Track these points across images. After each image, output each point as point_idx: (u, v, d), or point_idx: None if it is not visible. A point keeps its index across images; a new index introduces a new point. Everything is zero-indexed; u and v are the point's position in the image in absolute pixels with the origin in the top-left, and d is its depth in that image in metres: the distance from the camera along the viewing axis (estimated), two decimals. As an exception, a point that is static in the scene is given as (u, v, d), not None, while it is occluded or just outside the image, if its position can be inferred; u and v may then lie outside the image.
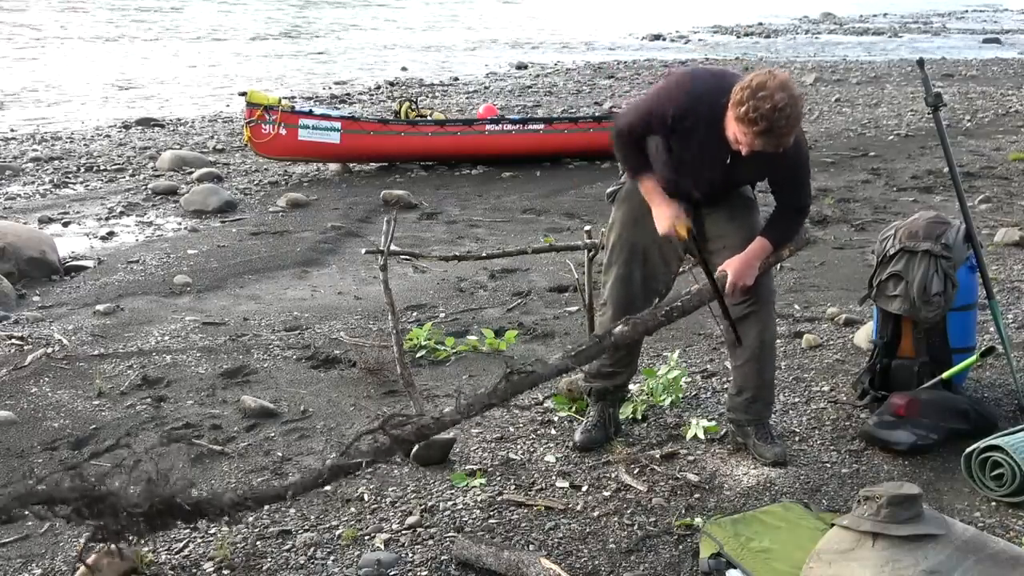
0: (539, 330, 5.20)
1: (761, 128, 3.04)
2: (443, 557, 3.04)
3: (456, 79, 17.81)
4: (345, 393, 4.41)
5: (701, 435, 3.79)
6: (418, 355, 4.76)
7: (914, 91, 14.68)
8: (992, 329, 4.40)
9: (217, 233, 7.54)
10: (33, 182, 9.36)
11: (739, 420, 3.70)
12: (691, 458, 3.68)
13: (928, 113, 4.18)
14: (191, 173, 9.52)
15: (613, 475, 3.55)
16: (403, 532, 3.19)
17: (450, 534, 3.16)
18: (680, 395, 4.13)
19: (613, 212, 3.71)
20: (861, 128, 11.91)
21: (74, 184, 9.36)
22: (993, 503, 3.30)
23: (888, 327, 4.03)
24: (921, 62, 4.15)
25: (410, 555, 3.06)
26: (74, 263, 6.63)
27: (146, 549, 2.95)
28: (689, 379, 4.34)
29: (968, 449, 3.39)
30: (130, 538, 2.37)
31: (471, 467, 3.62)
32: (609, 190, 3.78)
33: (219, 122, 13.04)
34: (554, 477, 3.55)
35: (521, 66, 20.02)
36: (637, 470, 3.58)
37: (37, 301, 5.84)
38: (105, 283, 6.21)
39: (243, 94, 9.54)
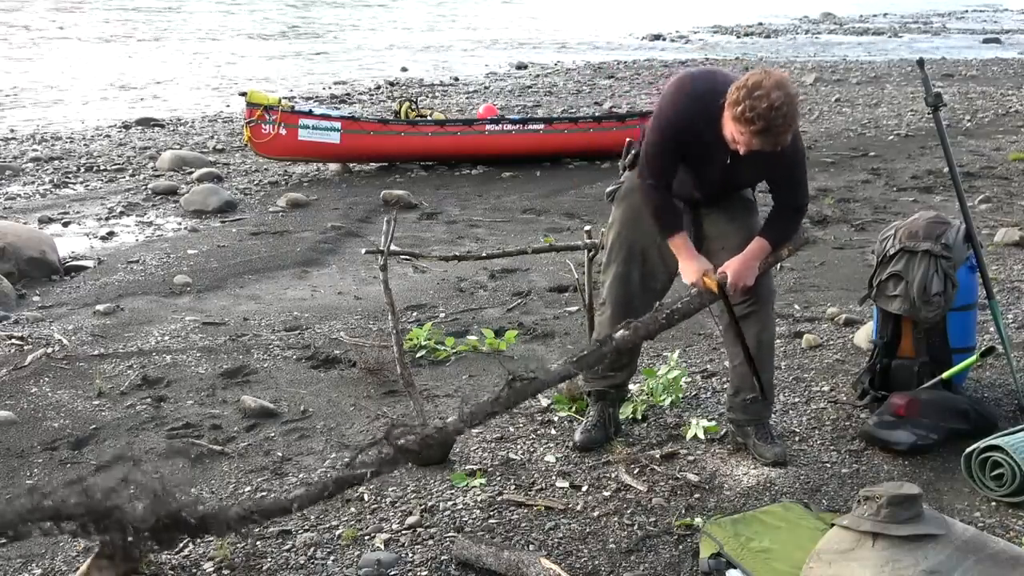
0: (539, 330, 5.19)
1: (758, 127, 3.05)
2: (443, 557, 3.04)
3: (456, 79, 17.81)
4: (345, 393, 4.41)
5: (701, 435, 3.79)
6: (418, 355, 4.76)
7: (914, 91, 14.69)
8: (992, 329, 4.40)
9: (217, 233, 7.54)
10: (33, 182, 9.36)
11: (739, 420, 3.70)
12: (691, 458, 3.68)
13: (928, 113, 4.18)
14: (191, 173, 9.52)
15: (613, 475, 3.55)
16: (403, 532, 3.19)
17: (450, 534, 3.16)
18: (680, 395, 4.13)
19: (612, 211, 3.71)
20: (861, 128, 11.91)
21: (74, 184, 9.36)
22: (993, 503, 3.30)
23: (888, 327, 4.03)
24: (921, 62, 4.15)
25: (410, 555, 3.06)
26: (74, 263, 6.64)
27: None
28: (689, 379, 4.34)
29: (968, 449, 3.39)
30: (136, 553, 2.38)
31: (471, 467, 3.62)
32: (609, 189, 3.78)
33: (219, 122, 13.04)
34: (554, 477, 3.55)
35: (521, 66, 20.03)
36: (637, 470, 3.58)
37: (37, 301, 5.84)
38: (105, 283, 6.21)
39: (243, 94, 9.54)
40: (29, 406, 4.29)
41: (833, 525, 2.73)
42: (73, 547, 3.09)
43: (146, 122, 12.74)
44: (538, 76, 18.27)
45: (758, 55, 21.78)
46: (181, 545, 3.09)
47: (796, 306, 5.49)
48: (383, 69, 19.45)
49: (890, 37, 27.67)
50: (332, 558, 3.05)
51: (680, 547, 3.08)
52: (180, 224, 7.87)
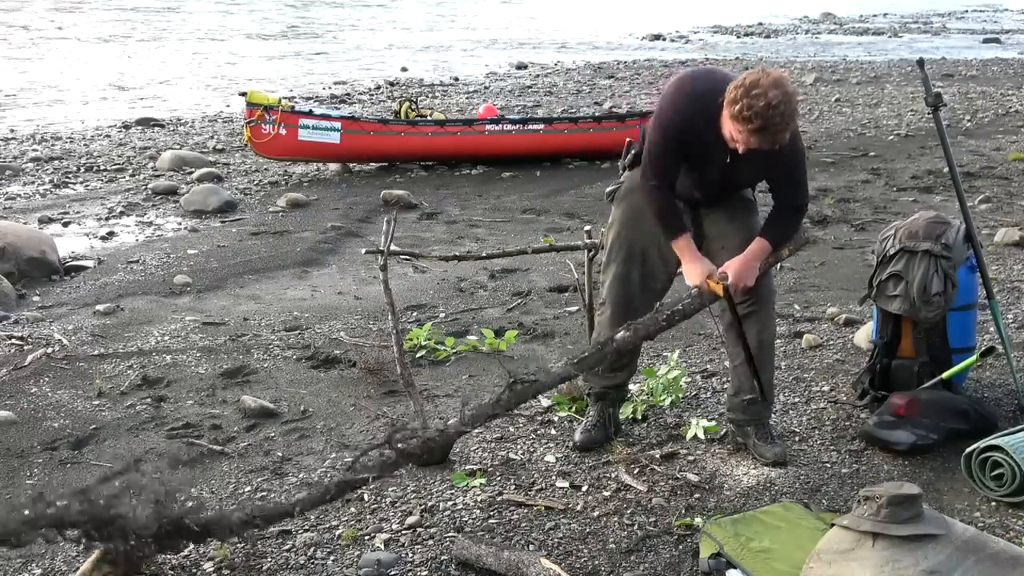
0: (539, 330, 5.19)
1: (756, 126, 3.05)
2: (443, 557, 3.04)
3: (456, 79, 17.81)
4: (345, 393, 4.41)
5: (701, 435, 3.79)
6: (418, 355, 4.76)
7: (914, 91, 14.69)
8: (992, 329, 4.40)
9: (217, 233, 7.54)
10: (33, 182, 9.36)
11: (739, 420, 3.70)
12: (691, 458, 3.68)
13: (928, 113, 4.18)
14: (191, 173, 9.52)
15: (613, 475, 3.55)
16: (403, 532, 3.19)
17: (450, 534, 3.16)
18: (680, 395, 4.13)
19: (612, 211, 3.71)
20: (861, 128, 11.91)
21: (74, 184, 9.36)
22: (993, 503, 3.30)
23: (888, 327, 4.03)
24: (921, 62, 4.15)
25: (410, 555, 3.06)
26: (74, 263, 6.64)
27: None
28: (689, 379, 4.34)
29: (968, 449, 3.39)
30: (138, 558, 2.38)
31: (471, 467, 3.62)
32: (608, 189, 3.78)
33: (219, 122, 13.04)
34: (554, 477, 3.55)
35: (521, 66, 20.03)
36: (637, 470, 3.58)
37: (37, 301, 5.84)
38: (105, 283, 6.21)
39: (243, 94, 9.54)
40: (29, 406, 4.29)
41: (833, 525, 2.73)
42: (73, 547, 3.08)
43: (146, 122, 12.75)
44: (538, 76, 18.27)
45: (758, 55, 21.78)
46: (181, 545, 3.09)
47: (796, 306, 5.49)
48: (383, 69, 19.45)
49: (890, 37, 27.67)
50: (332, 558, 3.05)
51: (680, 547, 3.08)
52: (180, 224, 7.87)
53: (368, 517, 3.29)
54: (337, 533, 3.19)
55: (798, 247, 3.74)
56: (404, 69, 19.19)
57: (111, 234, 7.56)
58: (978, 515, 3.24)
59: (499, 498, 3.39)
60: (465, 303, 5.75)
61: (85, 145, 11.29)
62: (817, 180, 8.58)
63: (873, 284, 4.00)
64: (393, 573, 2.96)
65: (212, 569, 2.99)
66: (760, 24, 31.97)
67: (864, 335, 4.71)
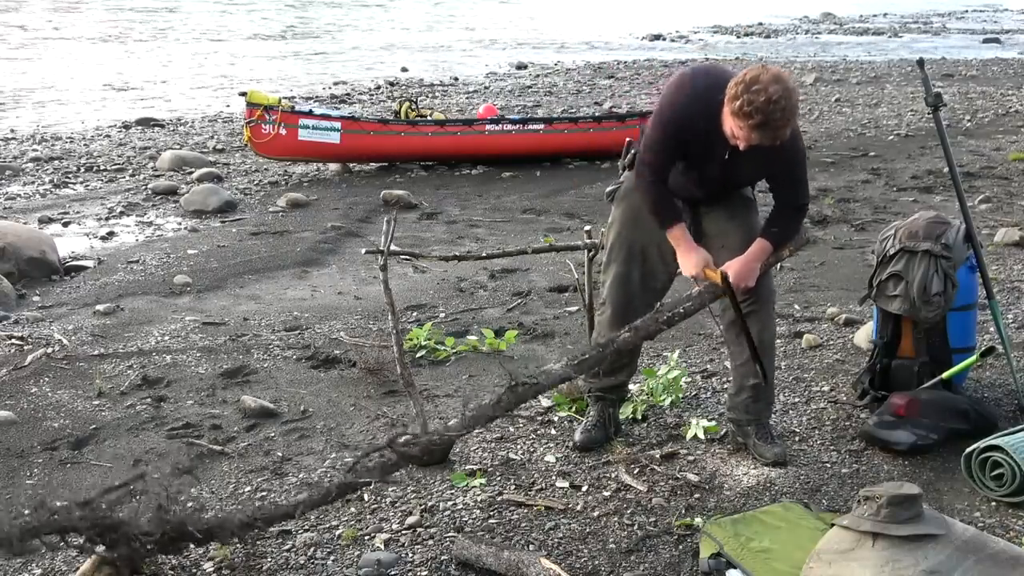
0: (539, 330, 5.19)
1: (756, 121, 3.05)
2: (443, 557, 3.04)
3: (456, 79, 17.81)
4: (345, 393, 4.41)
5: (701, 435, 3.79)
6: (418, 355, 4.76)
7: (914, 91, 14.69)
8: (992, 329, 4.40)
9: (217, 233, 7.54)
10: (33, 182, 9.36)
11: (739, 420, 3.70)
12: (691, 458, 3.68)
13: (928, 113, 4.18)
14: (191, 173, 9.52)
15: (613, 475, 3.55)
16: (403, 532, 3.19)
17: (450, 534, 3.16)
18: (680, 395, 4.13)
19: (612, 211, 3.71)
20: (861, 128, 11.91)
21: (74, 184, 9.36)
22: (993, 503, 3.30)
23: (888, 327, 4.03)
24: (921, 62, 4.15)
25: (410, 555, 3.06)
26: (74, 263, 6.64)
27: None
28: (689, 379, 4.34)
29: (968, 449, 3.39)
30: (140, 561, 2.38)
31: (471, 467, 3.62)
32: (608, 189, 3.78)
33: (219, 122, 13.04)
34: (554, 477, 3.55)
35: (521, 66, 20.03)
36: (637, 470, 3.58)
37: (37, 301, 5.84)
38: (105, 283, 6.21)
39: (243, 94, 9.54)
40: (29, 406, 4.29)
41: (833, 525, 2.73)
42: (73, 548, 3.08)
43: (146, 122, 12.75)
44: (538, 76, 18.27)
45: (758, 55, 21.78)
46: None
47: (796, 306, 5.49)
48: (383, 69, 19.45)
49: (890, 37, 27.67)
50: (332, 558, 3.05)
51: (680, 547, 3.08)
52: (180, 224, 7.87)
53: (368, 517, 3.29)
54: (337, 533, 3.19)
55: (798, 247, 3.74)
56: (404, 69, 19.19)
57: (111, 234, 7.56)
58: (978, 515, 3.24)
59: (499, 498, 3.39)
60: (465, 303, 5.75)
61: (85, 145, 11.29)
62: (817, 180, 8.58)
63: (873, 284, 4.00)
64: (393, 573, 2.96)
65: (212, 569, 2.99)
66: (760, 24, 31.98)
67: (864, 335, 4.71)
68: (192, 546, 3.06)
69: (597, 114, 11.42)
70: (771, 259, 3.51)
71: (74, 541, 2.29)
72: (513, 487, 3.48)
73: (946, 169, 4.52)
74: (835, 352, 4.75)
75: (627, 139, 3.79)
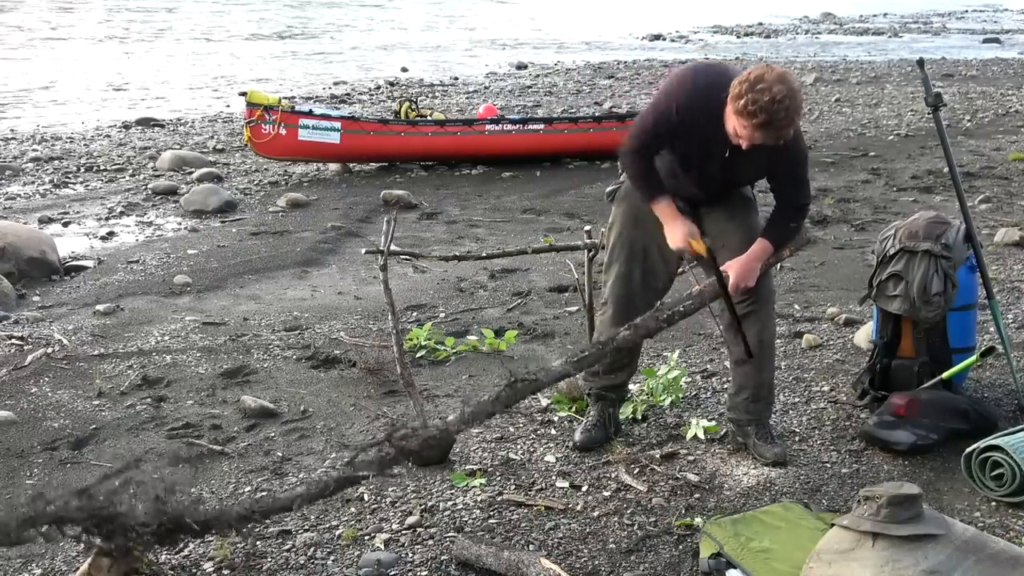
0: (539, 330, 5.19)
1: (760, 120, 3.04)
2: (443, 557, 3.04)
3: (456, 79, 17.81)
4: (345, 393, 4.41)
5: (701, 435, 3.79)
6: (418, 355, 4.76)
7: (914, 91, 14.68)
8: (992, 329, 4.40)
9: (217, 233, 7.54)
10: (33, 182, 9.36)
11: (739, 420, 3.70)
12: (691, 458, 3.68)
13: (928, 113, 4.18)
14: (191, 173, 9.52)
15: (613, 475, 3.55)
16: (403, 532, 3.19)
17: (450, 534, 3.16)
18: (680, 395, 4.13)
19: (613, 211, 3.71)
20: (861, 128, 11.91)
21: (74, 184, 9.36)
22: (993, 503, 3.30)
23: (888, 327, 4.03)
24: (921, 62, 4.15)
25: (410, 555, 3.06)
26: (74, 263, 6.64)
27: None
28: (689, 379, 4.34)
29: (968, 449, 3.39)
30: (137, 554, 2.38)
31: (471, 467, 3.62)
32: (609, 189, 3.78)
33: (219, 122, 13.04)
34: (554, 477, 3.55)
35: (521, 66, 20.03)
36: (637, 470, 3.58)
37: (37, 301, 5.84)
38: (105, 283, 6.21)
39: (243, 94, 9.54)
40: (29, 406, 4.29)
41: (833, 525, 2.73)
42: (73, 547, 3.08)
43: (146, 122, 12.74)
44: (538, 76, 18.27)
45: (758, 55, 21.77)
46: (181, 545, 3.09)
47: (796, 306, 5.49)
48: (383, 69, 19.45)
49: (890, 37, 27.67)
50: (332, 558, 3.05)
51: (680, 547, 3.08)
52: (180, 224, 7.87)
53: (368, 517, 3.29)
54: (337, 533, 3.19)
55: (799, 247, 3.74)
56: (404, 69, 19.18)
57: (111, 234, 7.56)
58: (978, 515, 3.24)
59: (499, 498, 3.39)
60: (465, 303, 5.75)
61: (85, 145, 11.28)
62: (817, 180, 8.57)
63: (873, 284, 4.00)
64: (393, 573, 2.96)
65: (212, 569, 2.99)
66: (760, 24, 31.96)
67: (864, 335, 4.71)
68: (191, 543, 3.08)
69: (597, 114, 11.41)
70: (771, 259, 3.51)
71: (71, 532, 2.29)
72: (513, 487, 3.48)
73: (946, 169, 4.52)
74: (835, 352, 4.75)
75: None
